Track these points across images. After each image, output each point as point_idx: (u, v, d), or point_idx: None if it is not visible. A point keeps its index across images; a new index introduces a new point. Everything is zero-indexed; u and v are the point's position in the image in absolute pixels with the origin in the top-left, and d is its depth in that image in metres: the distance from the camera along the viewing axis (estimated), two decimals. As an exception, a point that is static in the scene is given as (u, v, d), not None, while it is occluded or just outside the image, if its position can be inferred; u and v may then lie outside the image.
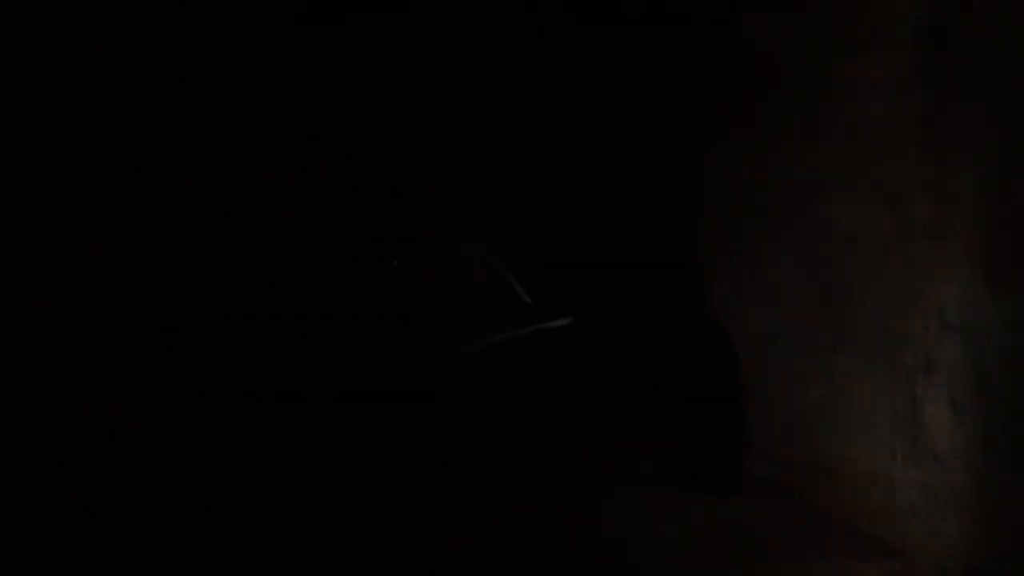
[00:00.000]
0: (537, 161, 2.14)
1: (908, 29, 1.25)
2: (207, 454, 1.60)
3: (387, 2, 2.04)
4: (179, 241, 1.85)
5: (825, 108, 1.42)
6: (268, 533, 1.32)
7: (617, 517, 1.46)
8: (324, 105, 2.03)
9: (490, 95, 2.12)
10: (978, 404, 1.20)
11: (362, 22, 2.03)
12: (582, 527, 1.42)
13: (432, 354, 2.01)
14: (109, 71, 1.75)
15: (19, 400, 1.53)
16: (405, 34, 2.06)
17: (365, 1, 2.02)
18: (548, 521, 1.44)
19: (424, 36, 2.06)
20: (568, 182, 2.14)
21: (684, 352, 1.69)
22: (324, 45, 2.01)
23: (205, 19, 1.89)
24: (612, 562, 1.28)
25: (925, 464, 1.23)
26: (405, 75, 2.07)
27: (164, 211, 1.83)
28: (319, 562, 1.26)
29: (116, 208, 1.76)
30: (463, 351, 1.99)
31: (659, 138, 1.98)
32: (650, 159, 2.01)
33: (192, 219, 1.87)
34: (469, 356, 1.99)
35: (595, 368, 1.95)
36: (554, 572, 1.25)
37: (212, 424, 1.69)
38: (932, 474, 1.22)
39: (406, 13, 2.02)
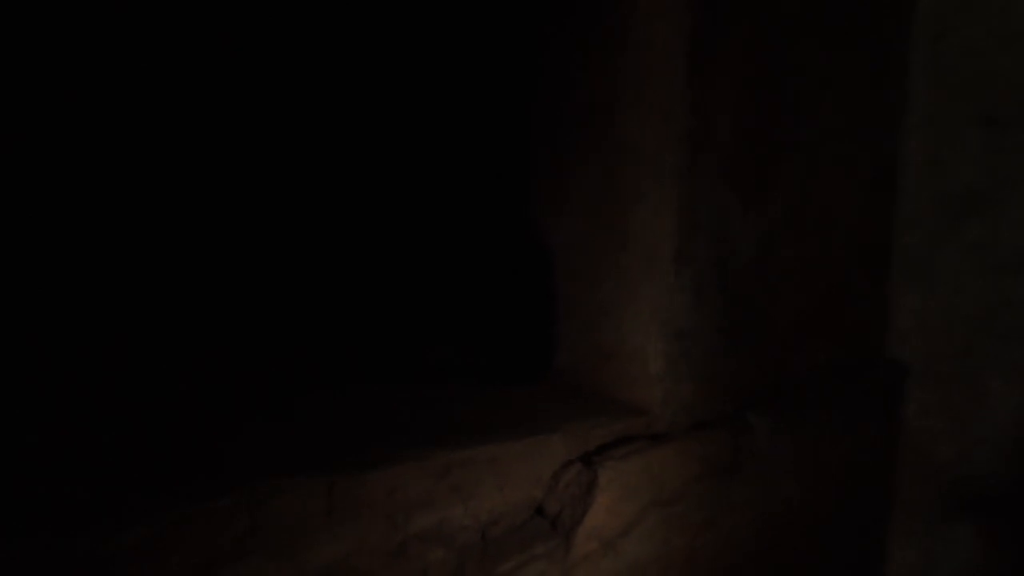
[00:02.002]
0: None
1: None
2: None
3: None
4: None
5: (622, 27, 1.50)
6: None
7: (413, 403, 1.43)
8: None
9: None
10: (716, 293, 1.54)
11: None
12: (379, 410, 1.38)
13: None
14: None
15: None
16: None
17: None
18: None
19: None
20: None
21: (500, 261, 1.64)
22: None
23: None
24: (399, 433, 1.29)
25: (671, 341, 1.50)
26: None
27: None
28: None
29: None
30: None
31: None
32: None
33: None
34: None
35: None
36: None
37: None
38: (674, 349, 1.50)
39: None
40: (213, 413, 1.30)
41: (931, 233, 2.04)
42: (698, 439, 1.53)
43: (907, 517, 2.15)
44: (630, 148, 1.50)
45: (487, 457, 1.25)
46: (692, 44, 1.42)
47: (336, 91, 1.69)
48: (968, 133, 1.98)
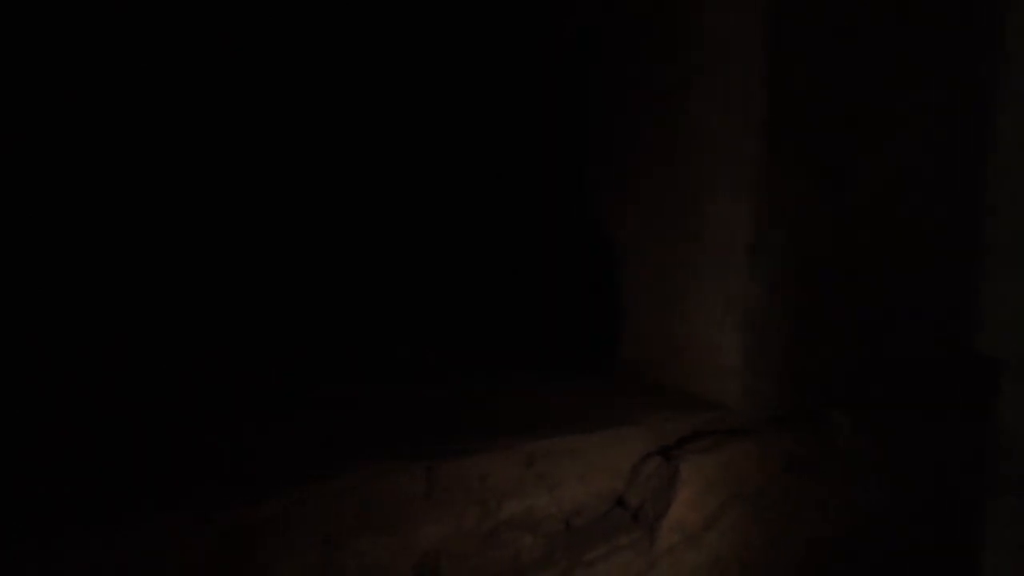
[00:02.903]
0: None
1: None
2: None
3: None
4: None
5: (683, 20, 1.47)
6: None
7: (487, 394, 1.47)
8: None
9: None
10: (794, 285, 1.49)
11: None
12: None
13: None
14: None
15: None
16: None
17: None
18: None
19: None
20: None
21: (562, 252, 1.65)
22: None
23: None
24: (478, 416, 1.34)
25: (747, 334, 1.45)
26: None
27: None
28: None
29: None
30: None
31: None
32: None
33: None
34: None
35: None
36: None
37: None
38: (751, 341, 1.46)
39: None
40: (294, 403, 1.35)
41: (1028, 219, 1.94)
42: (778, 434, 1.49)
43: (1000, 520, 2.05)
44: (703, 136, 1.47)
45: (568, 448, 1.26)
46: (771, 23, 1.38)
47: (384, 85, 1.70)
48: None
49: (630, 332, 1.63)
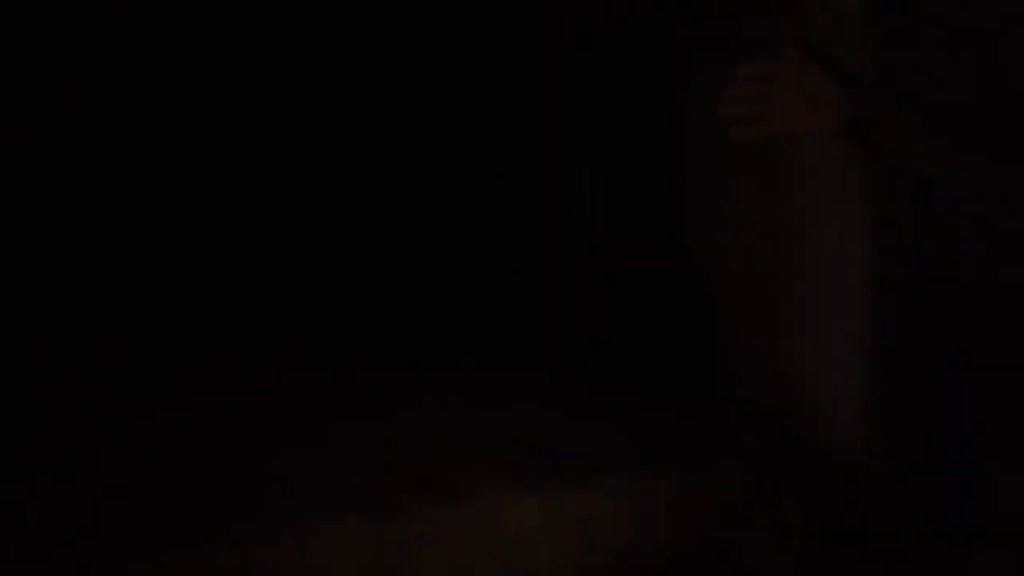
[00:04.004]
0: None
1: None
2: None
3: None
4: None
5: None
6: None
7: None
8: None
9: None
10: (922, 322, 1.38)
11: None
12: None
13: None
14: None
15: None
16: None
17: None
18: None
19: None
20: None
21: (665, 287, 1.64)
22: None
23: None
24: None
25: (869, 375, 1.36)
26: None
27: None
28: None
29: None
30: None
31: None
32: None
33: None
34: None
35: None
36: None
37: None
38: (873, 383, 1.36)
39: None
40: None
41: None
42: (913, 487, 1.37)
43: None
44: (808, 169, 1.42)
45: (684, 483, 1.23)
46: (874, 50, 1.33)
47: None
48: None
49: (731, 369, 1.57)
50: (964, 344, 1.44)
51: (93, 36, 1.48)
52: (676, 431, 1.44)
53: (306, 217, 1.67)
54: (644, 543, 1.21)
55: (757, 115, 0.80)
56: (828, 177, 1.39)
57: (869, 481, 1.38)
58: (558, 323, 1.74)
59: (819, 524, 1.31)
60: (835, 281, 1.39)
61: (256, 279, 1.62)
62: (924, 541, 1.36)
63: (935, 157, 0.81)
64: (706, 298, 1.57)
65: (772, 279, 1.48)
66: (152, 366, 1.48)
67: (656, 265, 1.66)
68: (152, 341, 1.52)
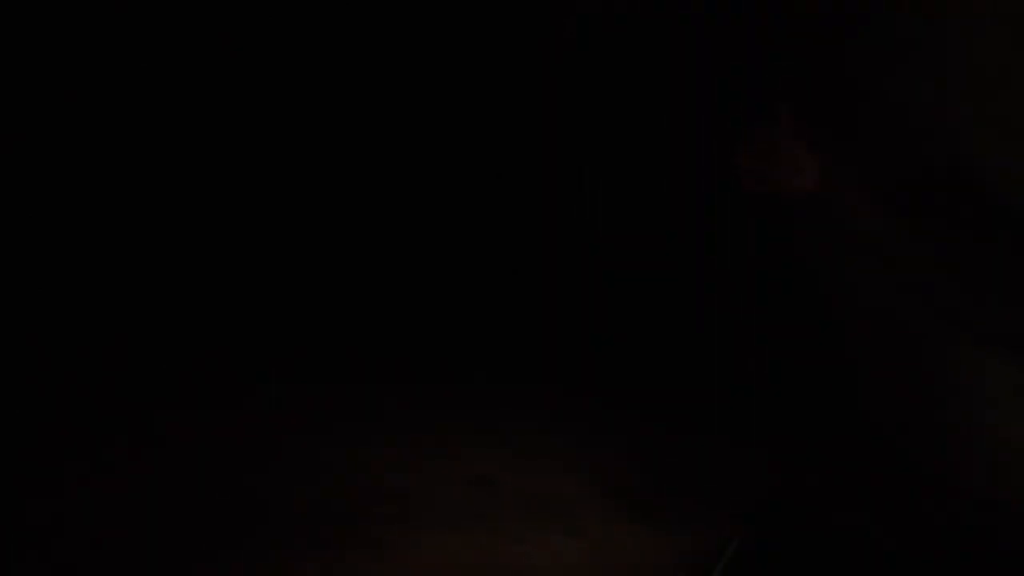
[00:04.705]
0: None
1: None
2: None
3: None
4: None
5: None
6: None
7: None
8: None
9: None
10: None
11: None
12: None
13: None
14: None
15: None
16: None
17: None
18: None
19: None
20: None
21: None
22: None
23: None
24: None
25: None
26: None
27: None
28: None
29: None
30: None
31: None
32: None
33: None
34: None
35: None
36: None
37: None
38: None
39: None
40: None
41: None
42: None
43: None
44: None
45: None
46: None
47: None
48: None
49: (866, 409, 1.51)
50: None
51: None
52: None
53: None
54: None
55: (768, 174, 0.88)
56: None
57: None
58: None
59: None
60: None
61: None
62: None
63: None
64: (840, 341, 1.49)
65: (921, 317, 1.40)
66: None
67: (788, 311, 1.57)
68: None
